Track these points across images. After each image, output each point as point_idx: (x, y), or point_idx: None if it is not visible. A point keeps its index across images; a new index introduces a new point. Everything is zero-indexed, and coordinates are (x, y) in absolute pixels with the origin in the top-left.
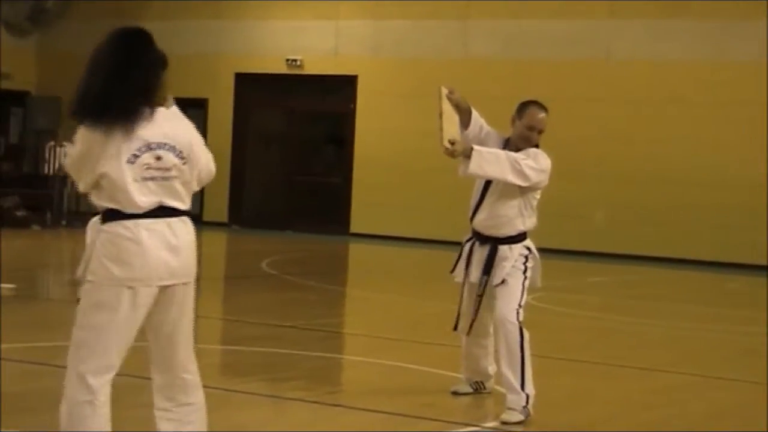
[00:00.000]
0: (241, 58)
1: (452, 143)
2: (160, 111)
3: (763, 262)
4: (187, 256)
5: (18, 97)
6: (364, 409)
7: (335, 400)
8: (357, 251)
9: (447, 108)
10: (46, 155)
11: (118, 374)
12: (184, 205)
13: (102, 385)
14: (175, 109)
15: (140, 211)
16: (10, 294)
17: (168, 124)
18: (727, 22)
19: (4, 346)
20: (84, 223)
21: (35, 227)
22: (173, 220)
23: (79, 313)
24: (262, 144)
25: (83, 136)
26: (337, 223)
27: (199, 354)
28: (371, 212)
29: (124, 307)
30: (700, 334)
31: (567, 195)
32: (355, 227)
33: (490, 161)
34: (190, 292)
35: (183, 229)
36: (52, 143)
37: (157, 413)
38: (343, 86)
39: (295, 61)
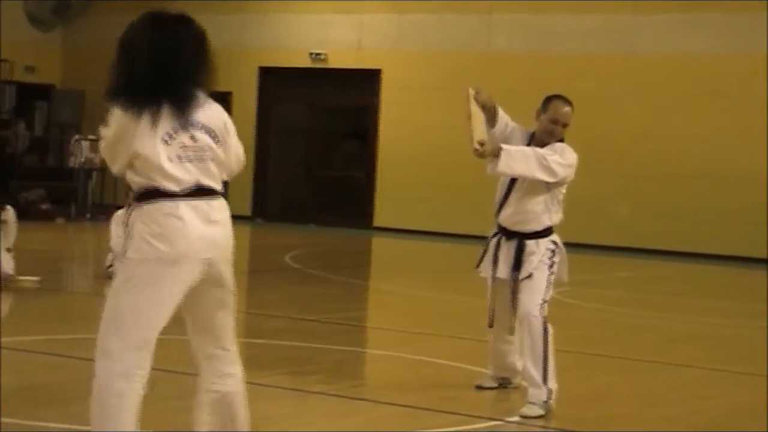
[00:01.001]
0: (264, 52)
1: (482, 144)
2: (202, 95)
3: None
4: (226, 231)
5: (43, 91)
6: (386, 403)
7: (358, 393)
8: (380, 245)
9: (474, 109)
10: (71, 148)
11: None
12: (218, 185)
13: (141, 360)
14: (206, 96)
15: (179, 189)
16: (34, 286)
17: (206, 107)
18: (751, 15)
19: (28, 338)
20: (108, 216)
21: (60, 220)
22: (211, 199)
23: (116, 290)
24: (286, 138)
25: (118, 118)
26: (360, 217)
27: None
28: (394, 206)
29: (168, 282)
30: (724, 330)
31: (591, 190)
32: (378, 221)
33: (519, 160)
34: (230, 267)
35: (221, 207)
36: (77, 137)
37: (201, 394)
38: (367, 80)
39: (319, 54)
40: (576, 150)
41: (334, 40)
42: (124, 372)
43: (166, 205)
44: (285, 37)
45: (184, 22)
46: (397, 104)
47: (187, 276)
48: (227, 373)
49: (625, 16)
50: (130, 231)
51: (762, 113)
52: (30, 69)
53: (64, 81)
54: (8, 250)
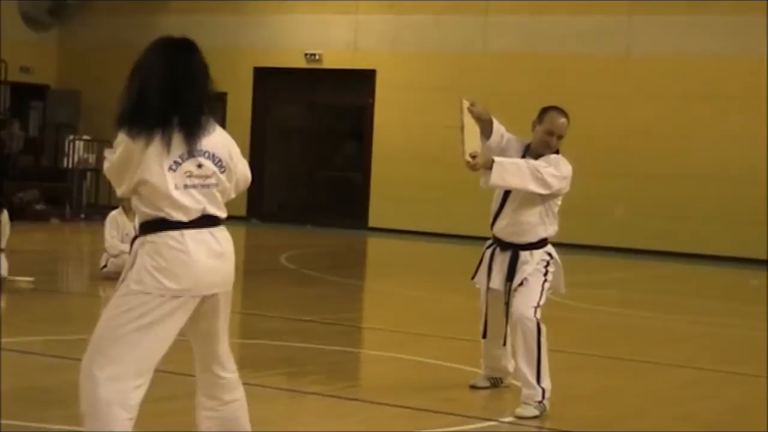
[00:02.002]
0: (260, 52)
1: (473, 157)
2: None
3: None
4: (230, 264)
5: (38, 91)
6: (382, 404)
7: (354, 394)
8: (376, 245)
9: (468, 121)
10: (66, 149)
11: None
12: (223, 213)
13: (135, 390)
14: (210, 119)
15: (186, 219)
16: (29, 287)
17: (212, 133)
18: (749, 18)
19: (24, 339)
20: (103, 216)
21: (54, 221)
22: (216, 230)
23: (113, 317)
24: (281, 138)
25: (125, 143)
26: (355, 218)
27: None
28: (390, 206)
29: (168, 318)
30: (723, 330)
31: (588, 191)
32: (373, 221)
33: (512, 172)
34: (230, 297)
35: (225, 238)
36: (72, 137)
37: (203, 413)
38: (362, 80)
39: (314, 55)
40: (572, 150)
41: (329, 40)
42: (114, 401)
43: (171, 238)
44: (280, 37)
45: (192, 50)
46: (392, 105)
47: (188, 309)
48: (231, 400)
49: (621, 18)
50: (133, 259)
51: (759, 114)
52: (25, 69)
53: (60, 81)
54: (0, 250)
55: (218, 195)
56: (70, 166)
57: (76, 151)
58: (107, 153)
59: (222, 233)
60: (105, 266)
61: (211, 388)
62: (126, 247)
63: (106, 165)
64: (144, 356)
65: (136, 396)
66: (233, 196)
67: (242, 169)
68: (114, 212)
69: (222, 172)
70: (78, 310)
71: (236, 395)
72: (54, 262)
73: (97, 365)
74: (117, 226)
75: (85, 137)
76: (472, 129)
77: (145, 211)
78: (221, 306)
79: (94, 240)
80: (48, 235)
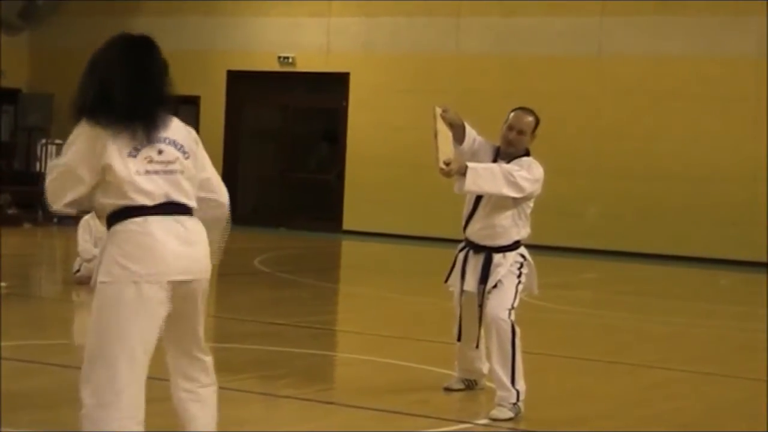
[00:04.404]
0: (233, 55)
1: (447, 163)
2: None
3: (758, 259)
4: (202, 253)
5: (9, 95)
6: (356, 407)
7: (328, 397)
8: (350, 248)
9: (441, 127)
10: (38, 153)
11: None
12: (190, 201)
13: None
14: (169, 115)
15: (150, 203)
16: (2, 292)
17: (170, 122)
18: (720, 18)
19: None
20: (76, 221)
21: (27, 225)
22: (184, 218)
23: (93, 322)
24: (255, 141)
25: (86, 133)
26: (329, 220)
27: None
28: (364, 209)
29: (146, 305)
30: (694, 331)
31: (559, 192)
32: (347, 224)
33: (485, 177)
34: (206, 286)
35: (195, 226)
36: (44, 141)
37: (184, 395)
38: (336, 83)
39: (288, 58)
40: (544, 151)
41: (302, 43)
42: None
43: (135, 224)
44: (253, 40)
45: (151, 47)
46: (366, 107)
47: (160, 294)
48: (207, 384)
49: (592, 19)
50: (100, 256)
51: (730, 115)
52: None
53: (31, 85)
54: None
55: (184, 182)
56: (43, 170)
57: (49, 155)
58: (55, 160)
59: (191, 222)
60: (78, 271)
61: (189, 369)
62: (99, 251)
63: (51, 174)
64: (132, 351)
65: (138, 405)
66: (203, 194)
67: (217, 181)
68: (87, 216)
69: (186, 158)
70: (51, 315)
71: (211, 379)
72: (26, 267)
73: (89, 372)
74: (90, 230)
75: (58, 141)
76: (445, 135)
77: (108, 202)
78: (199, 293)
79: (66, 244)
80: (20, 240)
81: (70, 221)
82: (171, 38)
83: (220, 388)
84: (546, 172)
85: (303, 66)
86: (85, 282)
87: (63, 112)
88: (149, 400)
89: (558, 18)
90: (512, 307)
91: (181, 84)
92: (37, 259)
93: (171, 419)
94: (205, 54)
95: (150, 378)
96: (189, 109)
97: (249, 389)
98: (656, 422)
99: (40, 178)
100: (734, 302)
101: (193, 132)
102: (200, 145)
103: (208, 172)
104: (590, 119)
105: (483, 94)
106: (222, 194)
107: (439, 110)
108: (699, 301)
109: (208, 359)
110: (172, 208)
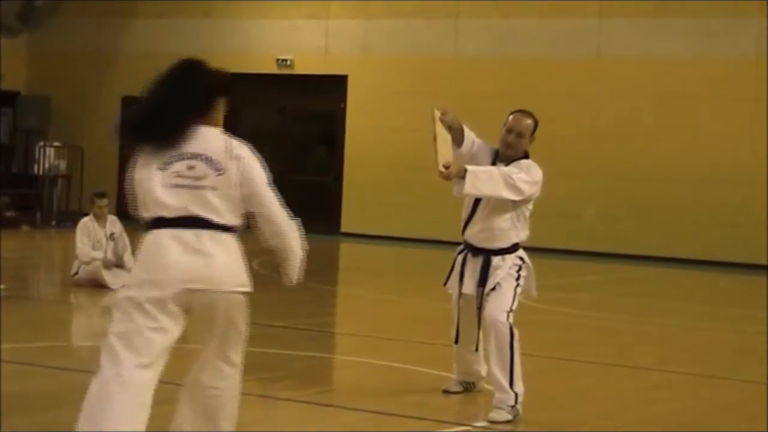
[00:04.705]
0: (231, 57)
1: (447, 167)
2: (208, 129)
3: (756, 261)
4: (213, 262)
5: (8, 97)
6: (355, 409)
7: (326, 399)
8: (348, 250)
9: (440, 130)
10: (36, 155)
11: None
12: (219, 217)
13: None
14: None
15: (168, 215)
16: (2, 294)
17: (209, 139)
18: (719, 19)
19: None
20: (74, 223)
21: (25, 227)
22: (202, 231)
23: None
24: (253, 143)
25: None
26: (327, 222)
27: (191, 354)
28: (362, 211)
29: (148, 309)
30: (692, 333)
31: (559, 194)
32: (345, 226)
33: (484, 180)
34: (236, 300)
35: (213, 239)
36: (42, 143)
37: (208, 391)
38: (334, 85)
39: (286, 60)
40: (543, 153)
41: (300, 45)
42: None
43: (151, 234)
44: (252, 42)
45: (186, 66)
46: (364, 109)
47: (168, 302)
48: (223, 387)
49: (591, 20)
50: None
51: (728, 116)
52: None
53: (30, 87)
54: None
55: (214, 198)
56: (41, 172)
57: (47, 157)
58: None
59: (209, 235)
60: (76, 273)
61: (205, 374)
62: (97, 254)
63: None
64: (136, 351)
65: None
66: (249, 209)
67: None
68: (85, 219)
69: (219, 175)
70: (49, 318)
71: (227, 385)
72: (25, 269)
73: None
74: (88, 233)
75: (56, 143)
76: (444, 138)
77: (144, 217)
78: (220, 304)
79: (65, 247)
80: (18, 242)
81: (68, 224)
82: (169, 40)
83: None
84: (545, 174)
85: (301, 68)
86: (84, 284)
87: (61, 114)
88: (153, 402)
89: (556, 19)
90: (511, 310)
91: None
92: (36, 261)
93: (164, 421)
94: (203, 56)
95: None
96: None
97: (248, 391)
98: (655, 424)
99: (38, 181)
100: (733, 305)
101: (234, 145)
102: (248, 165)
103: (266, 207)
104: (589, 121)
105: (481, 96)
106: (286, 236)
107: (437, 113)
108: (698, 304)
109: (229, 370)
110: (190, 222)
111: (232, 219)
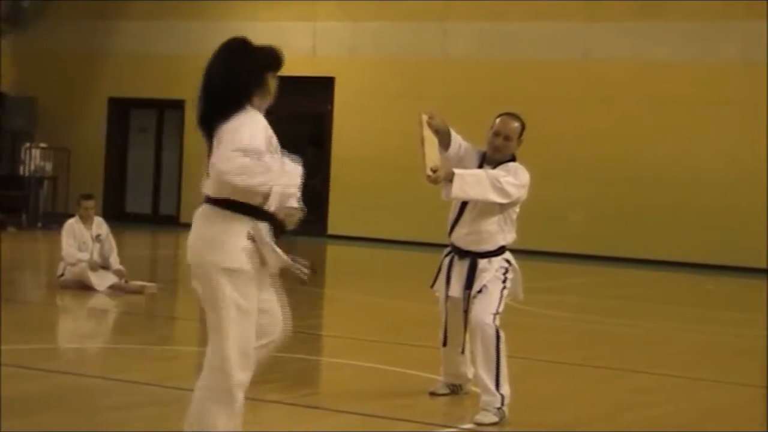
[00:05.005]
0: None
1: (434, 170)
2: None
3: (747, 264)
4: (192, 239)
5: None
6: (342, 411)
7: (314, 402)
8: (335, 252)
9: (428, 134)
10: (22, 156)
11: (87, 376)
12: (211, 191)
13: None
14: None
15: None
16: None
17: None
18: (705, 23)
19: None
20: (60, 225)
21: (11, 229)
22: (203, 206)
23: None
24: None
25: None
26: (315, 224)
27: (178, 356)
28: (349, 213)
29: None
30: (680, 335)
31: (547, 196)
32: (332, 228)
33: (472, 183)
34: (204, 273)
35: (200, 214)
36: (28, 144)
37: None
38: (321, 87)
39: None
40: (531, 155)
41: (288, 47)
42: None
43: None
44: None
45: (224, 46)
46: (351, 111)
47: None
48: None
49: (578, 23)
50: None
51: (716, 119)
52: None
53: (16, 88)
54: None
55: (212, 175)
56: (27, 174)
57: (33, 158)
58: None
59: (200, 210)
60: (62, 275)
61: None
62: (83, 255)
63: None
64: None
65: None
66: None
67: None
68: (71, 220)
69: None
70: (35, 319)
71: (203, 379)
72: (11, 271)
73: None
74: (74, 235)
75: (42, 145)
76: (431, 142)
77: None
78: (195, 277)
79: (51, 248)
80: (4, 244)
81: (54, 225)
82: (157, 42)
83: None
84: (533, 177)
85: (288, 70)
86: (70, 286)
87: (47, 115)
88: (132, 405)
89: (544, 23)
90: (497, 312)
91: (166, 88)
92: (22, 263)
93: (151, 423)
94: (191, 57)
95: (133, 383)
96: (174, 113)
97: None
98: (644, 427)
99: (24, 182)
100: (722, 307)
101: (237, 124)
102: (227, 135)
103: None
104: (577, 124)
105: (469, 99)
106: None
107: (425, 117)
108: (688, 306)
109: (209, 357)
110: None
111: (218, 189)
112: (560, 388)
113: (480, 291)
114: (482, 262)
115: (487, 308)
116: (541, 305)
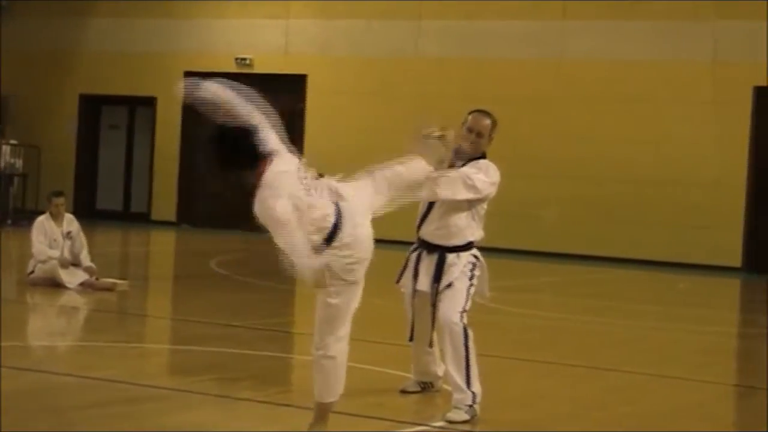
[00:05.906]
0: (190, 56)
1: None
2: None
3: (717, 263)
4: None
5: None
6: (313, 409)
7: (285, 400)
8: None
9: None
10: None
11: (58, 374)
12: None
13: None
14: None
15: None
16: None
17: None
18: (680, 22)
19: None
20: (30, 222)
21: None
22: None
23: None
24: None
25: None
26: None
27: (149, 354)
28: None
29: None
30: (651, 334)
31: (519, 194)
32: None
33: (445, 186)
34: None
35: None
36: None
37: None
38: (293, 85)
39: (245, 59)
40: (505, 154)
41: (260, 44)
42: None
43: None
44: (211, 41)
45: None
46: (323, 109)
47: None
48: None
49: (554, 22)
50: None
51: (691, 118)
52: None
53: None
54: None
55: None
56: None
57: (3, 155)
58: None
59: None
60: (32, 272)
61: None
62: (54, 252)
63: None
64: None
65: None
66: None
67: None
68: (41, 218)
69: None
70: (5, 317)
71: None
72: None
73: None
74: (44, 232)
75: (12, 141)
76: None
77: None
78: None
79: (21, 246)
80: None
81: (24, 222)
82: (128, 39)
83: (177, 390)
84: (506, 175)
85: (261, 67)
86: (40, 283)
87: (17, 112)
88: (103, 403)
89: (519, 21)
90: (464, 310)
91: (137, 85)
92: None
93: (128, 422)
94: (162, 55)
95: (108, 381)
96: (145, 110)
97: (206, 392)
98: (615, 425)
99: None
100: (694, 305)
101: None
102: None
103: None
104: (551, 122)
105: (443, 98)
106: None
107: (436, 132)
108: (658, 305)
109: None
110: None
111: None
112: (531, 386)
113: (448, 286)
114: (450, 257)
115: (453, 306)
116: (513, 303)
